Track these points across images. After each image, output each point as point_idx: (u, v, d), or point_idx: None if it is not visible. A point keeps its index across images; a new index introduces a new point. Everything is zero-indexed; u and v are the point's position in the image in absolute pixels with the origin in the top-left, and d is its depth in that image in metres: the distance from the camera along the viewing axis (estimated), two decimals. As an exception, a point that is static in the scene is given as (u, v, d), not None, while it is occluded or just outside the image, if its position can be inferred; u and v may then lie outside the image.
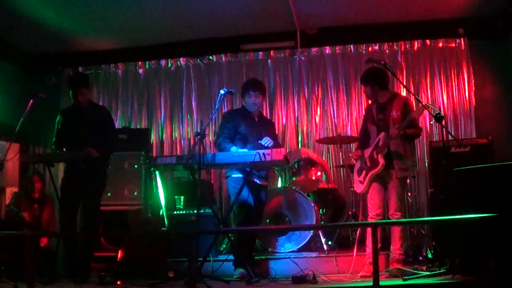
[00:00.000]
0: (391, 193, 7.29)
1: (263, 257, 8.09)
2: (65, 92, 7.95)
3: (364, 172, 7.43)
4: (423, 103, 7.25)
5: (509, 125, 10.15)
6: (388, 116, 7.37)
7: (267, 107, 10.84)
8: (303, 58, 11.02)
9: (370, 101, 7.91)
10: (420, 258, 8.56)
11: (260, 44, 11.04)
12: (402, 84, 8.75)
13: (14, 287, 6.50)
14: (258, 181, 7.63)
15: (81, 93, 7.65)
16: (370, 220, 7.40)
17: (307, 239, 8.50)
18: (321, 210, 9.22)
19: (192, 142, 10.80)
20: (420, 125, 8.03)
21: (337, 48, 10.91)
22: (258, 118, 7.86)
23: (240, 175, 7.48)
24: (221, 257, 8.12)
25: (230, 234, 7.91)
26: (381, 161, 7.19)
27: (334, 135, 9.91)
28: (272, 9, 9.94)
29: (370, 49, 10.77)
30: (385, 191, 7.38)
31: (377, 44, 10.76)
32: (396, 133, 7.14)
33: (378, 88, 7.53)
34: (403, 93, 10.14)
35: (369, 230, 7.27)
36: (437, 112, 6.89)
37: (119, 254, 8.26)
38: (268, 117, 10.25)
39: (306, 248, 8.54)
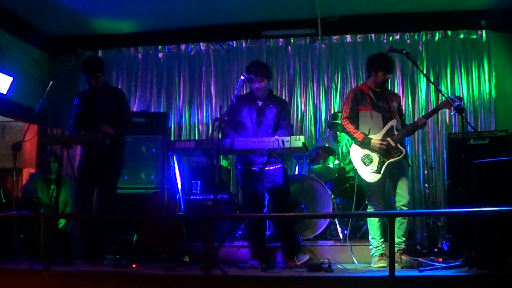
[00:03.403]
0: (403, 182, 7.24)
1: (279, 244, 8.10)
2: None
3: (376, 160, 7.20)
4: (446, 95, 7.17)
5: (529, 119, 10.02)
6: (390, 105, 7.33)
7: (287, 94, 10.85)
8: (323, 46, 10.93)
9: (360, 86, 7.76)
10: (436, 250, 8.53)
11: (281, 30, 10.99)
12: (423, 73, 8.70)
13: (30, 268, 6.53)
14: (256, 169, 7.26)
15: (94, 78, 7.63)
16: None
17: (324, 227, 8.49)
18: (338, 198, 9.20)
19: (211, 127, 10.78)
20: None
21: (358, 36, 10.82)
22: (263, 103, 7.46)
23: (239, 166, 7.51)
24: (236, 243, 8.13)
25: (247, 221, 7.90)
26: (403, 149, 7.16)
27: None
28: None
29: (391, 38, 10.66)
30: (392, 181, 7.36)
31: (398, 33, 10.65)
32: (424, 123, 7.24)
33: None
34: (424, 83, 10.16)
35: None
36: (458, 103, 6.82)
37: (135, 238, 8.31)
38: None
39: (322, 236, 8.55)
